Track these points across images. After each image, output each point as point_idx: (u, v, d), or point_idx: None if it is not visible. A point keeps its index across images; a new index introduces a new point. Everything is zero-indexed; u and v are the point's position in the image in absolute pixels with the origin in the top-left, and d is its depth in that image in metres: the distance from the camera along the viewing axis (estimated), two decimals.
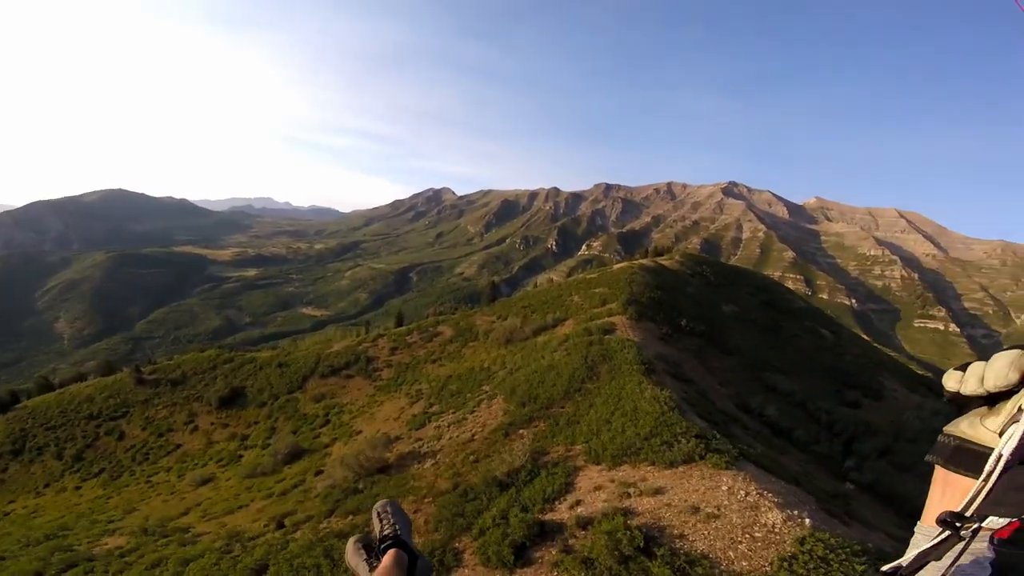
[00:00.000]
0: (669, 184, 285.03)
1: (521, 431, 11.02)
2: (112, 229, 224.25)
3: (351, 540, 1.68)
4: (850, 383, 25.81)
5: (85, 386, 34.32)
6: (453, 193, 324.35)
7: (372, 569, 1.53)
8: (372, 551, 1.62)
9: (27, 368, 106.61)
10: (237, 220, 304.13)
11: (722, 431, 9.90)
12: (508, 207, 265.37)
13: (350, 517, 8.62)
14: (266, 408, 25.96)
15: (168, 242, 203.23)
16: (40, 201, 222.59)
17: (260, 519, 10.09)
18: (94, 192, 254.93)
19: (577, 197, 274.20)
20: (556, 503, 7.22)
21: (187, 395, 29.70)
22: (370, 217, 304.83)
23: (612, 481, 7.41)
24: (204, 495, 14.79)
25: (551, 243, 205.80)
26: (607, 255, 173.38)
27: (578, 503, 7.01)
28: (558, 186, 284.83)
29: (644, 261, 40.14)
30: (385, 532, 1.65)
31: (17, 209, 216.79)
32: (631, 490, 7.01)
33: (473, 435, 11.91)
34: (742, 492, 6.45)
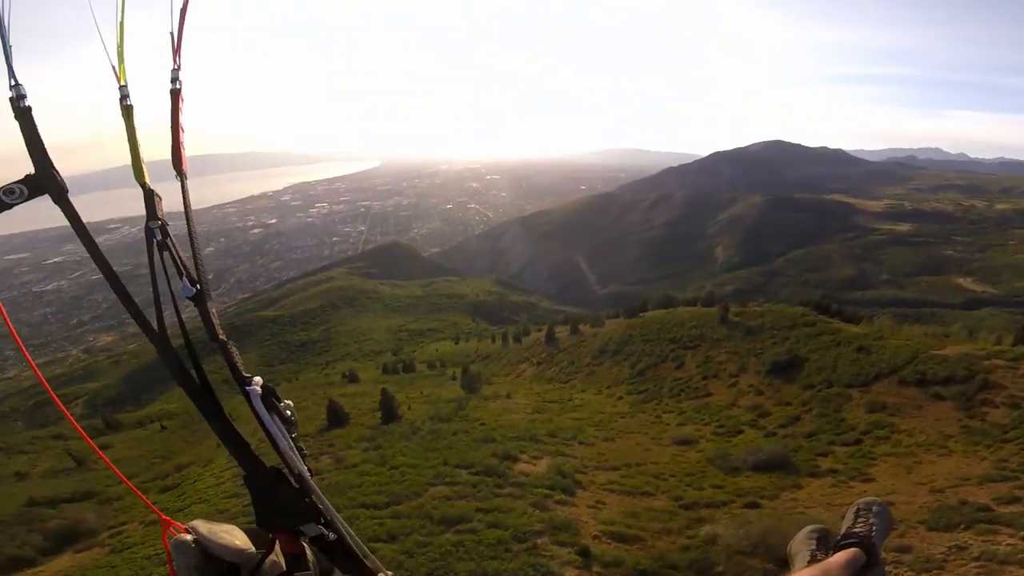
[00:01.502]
0: None
1: None
2: (770, 175, 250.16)
3: (808, 527, 1.57)
4: None
5: (685, 311, 40.07)
6: None
7: (813, 561, 1.40)
8: (826, 544, 1.48)
9: (684, 281, 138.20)
10: (894, 171, 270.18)
11: None
12: None
13: None
14: (810, 392, 22.06)
15: (818, 189, 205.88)
16: (718, 152, 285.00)
17: (610, 529, 8.30)
18: (757, 144, 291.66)
19: None
20: None
21: (750, 347, 29.33)
22: None
23: None
24: (656, 458, 14.04)
25: None
26: None
27: None
28: None
29: None
30: (855, 529, 1.48)
31: (702, 159, 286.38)
32: None
33: None
34: None
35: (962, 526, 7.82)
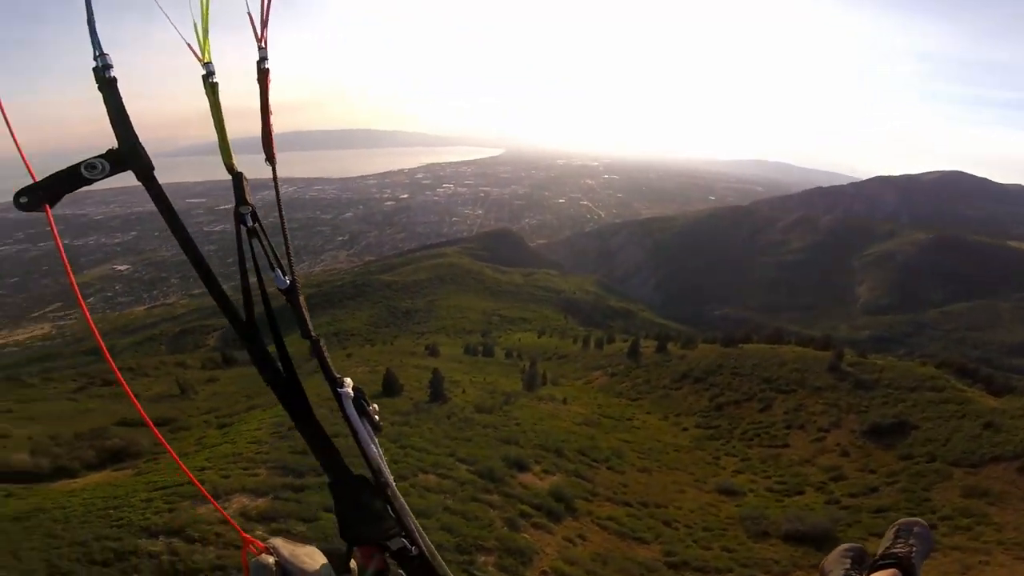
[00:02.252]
0: None
1: None
2: (942, 210, 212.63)
3: (842, 546, 1.52)
4: None
5: (791, 350, 36.10)
6: None
7: None
8: (860, 564, 1.42)
9: (814, 317, 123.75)
10: None
11: None
12: None
13: None
14: (905, 464, 19.11)
15: (1001, 234, 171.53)
16: (880, 176, 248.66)
17: (565, 570, 7.64)
18: (932, 173, 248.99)
19: None
20: None
21: (855, 402, 26.01)
22: None
23: None
24: (684, 503, 12.82)
25: None
26: None
27: None
28: None
29: None
30: (894, 550, 1.41)
31: (860, 181, 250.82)
32: None
33: None
34: None
35: None
